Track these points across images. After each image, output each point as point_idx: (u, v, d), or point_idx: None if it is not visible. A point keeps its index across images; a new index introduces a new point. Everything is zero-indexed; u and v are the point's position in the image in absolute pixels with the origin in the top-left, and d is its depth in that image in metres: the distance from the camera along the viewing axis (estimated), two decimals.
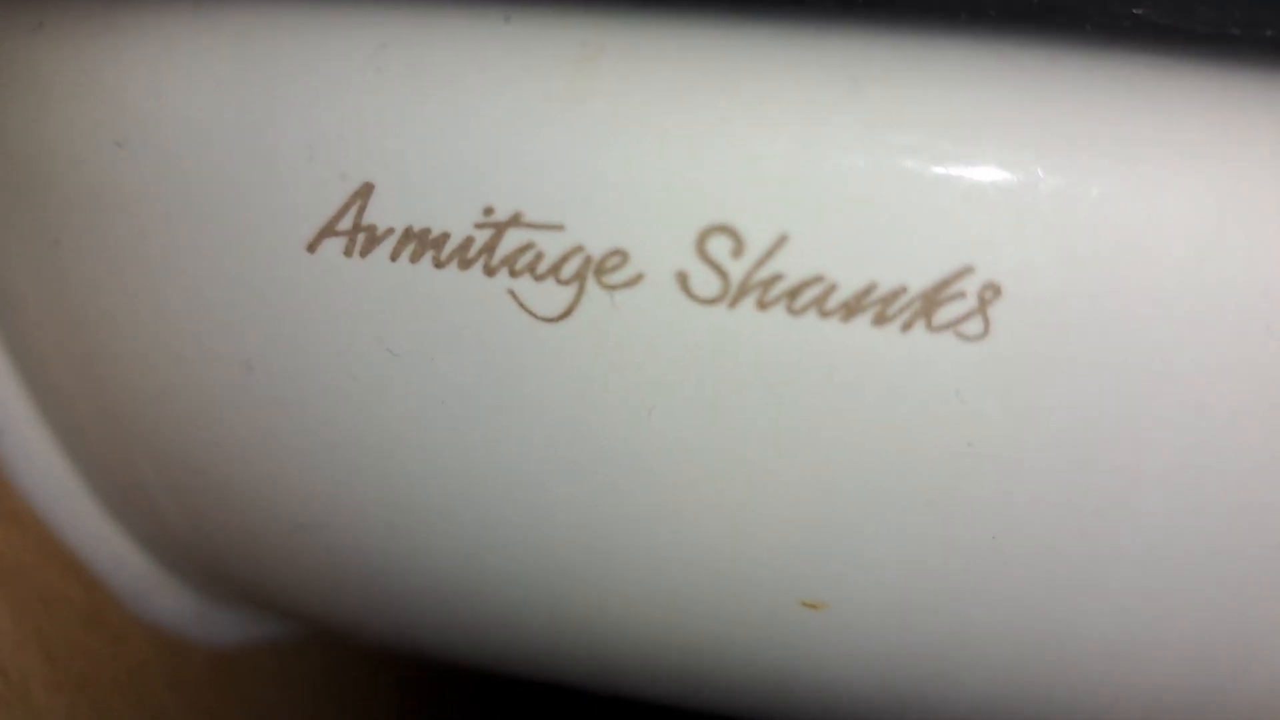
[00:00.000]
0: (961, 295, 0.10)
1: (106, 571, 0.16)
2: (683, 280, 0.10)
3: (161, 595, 0.17)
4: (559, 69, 0.11)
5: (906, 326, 0.10)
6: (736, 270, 0.10)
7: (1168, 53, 0.10)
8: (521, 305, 0.11)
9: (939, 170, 0.10)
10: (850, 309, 0.10)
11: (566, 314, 0.11)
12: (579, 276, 0.11)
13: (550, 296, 0.11)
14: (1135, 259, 0.10)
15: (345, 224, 0.11)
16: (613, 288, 0.11)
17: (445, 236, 0.11)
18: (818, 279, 0.10)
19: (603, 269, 0.11)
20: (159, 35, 0.12)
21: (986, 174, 0.10)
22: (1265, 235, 0.10)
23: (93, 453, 0.15)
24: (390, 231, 0.11)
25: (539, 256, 0.11)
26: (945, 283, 0.10)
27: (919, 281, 0.10)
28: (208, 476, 0.14)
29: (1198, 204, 0.10)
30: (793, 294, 0.10)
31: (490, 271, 0.11)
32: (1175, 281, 0.10)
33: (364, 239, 0.11)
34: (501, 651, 0.15)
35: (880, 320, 0.10)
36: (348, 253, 0.11)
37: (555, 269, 0.11)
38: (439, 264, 0.11)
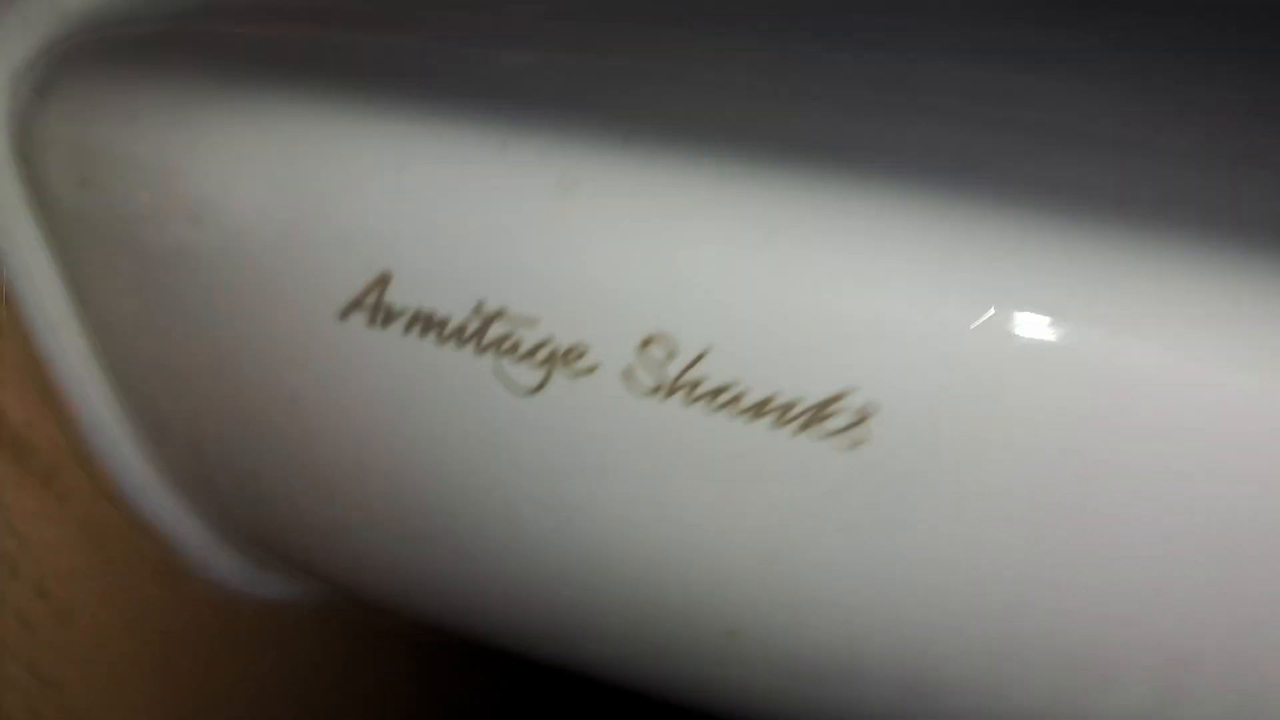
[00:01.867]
0: (845, 410, 0.12)
1: (175, 537, 0.20)
2: (628, 375, 0.13)
3: (219, 557, 0.20)
4: (541, 195, 0.13)
5: (798, 431, 0.12)
6: (670, 371, 0.13)
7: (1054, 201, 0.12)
8: (504, 380, 0.14)
9: (837, 305, 0.12)
10: (756, 411, 0.12)
11: (538, 390, 0.13)
12: (548, 362, 0.13)
13: (526, 375, 0.13)
14: (1002, 395, 0.12)
15: (370, 301, 0.14)
16: (574, 374, 0.13)
17: (446, 320, 0.14)
18: (733, 384, 0.12)
19: (567, 358, 0.13)
20: (226, 133, 0.15)
21: (876, 310, 0.12)
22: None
23: (174, 452, 0.18)
24: (404, 311, 0.14)
25: (518, 343, 0.13)
26: (834, 398, 0.12)
27: (812, 395, 0.12)
28: (262, 479, 0.17)
29: (1055, 341, 0.12)
30: (713, 395, 0.13)
31: (480, 351, 0.14)
32: (1034, 418, 0.12)
33: (384, 315, 0.14)
34: (494, 632, 0.19)
35: (779, 423, 0.12)
36: (370, 324, 0.14)
37: (530, 354, 0.13)
38: (441, 341, 0.14)
